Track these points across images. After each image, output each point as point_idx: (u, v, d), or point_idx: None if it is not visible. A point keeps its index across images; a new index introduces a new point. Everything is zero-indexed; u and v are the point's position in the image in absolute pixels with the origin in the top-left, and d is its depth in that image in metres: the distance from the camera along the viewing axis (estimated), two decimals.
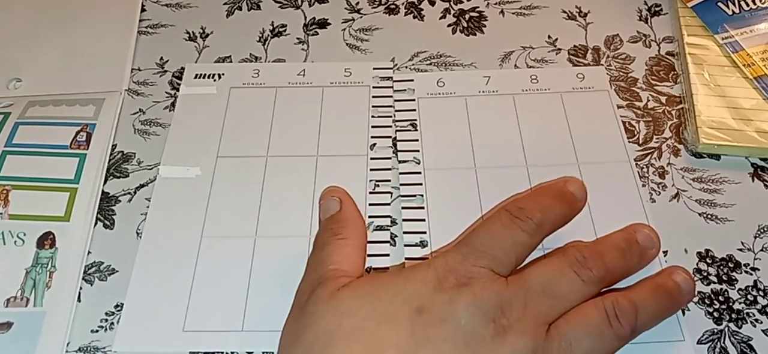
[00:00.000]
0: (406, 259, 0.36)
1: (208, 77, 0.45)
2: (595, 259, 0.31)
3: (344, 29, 0.48)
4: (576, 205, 0.34)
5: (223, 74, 0.45)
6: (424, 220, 0.38)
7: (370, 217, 0.38)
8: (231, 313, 0.34)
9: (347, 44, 0.47)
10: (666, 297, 0.32)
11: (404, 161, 0.40)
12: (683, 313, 0.34)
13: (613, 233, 0.34)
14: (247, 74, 0.45)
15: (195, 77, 0.45)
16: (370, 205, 0.38)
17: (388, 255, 0.36)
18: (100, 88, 0.44)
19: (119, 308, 0.35)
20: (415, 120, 0.42)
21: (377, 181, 0.39)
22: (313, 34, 0.47)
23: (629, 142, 0.41)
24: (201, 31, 0.48)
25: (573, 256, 0.31)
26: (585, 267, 0.30)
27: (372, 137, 0.41)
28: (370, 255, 0.36)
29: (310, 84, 0.44)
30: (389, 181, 0.39)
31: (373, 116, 0.42)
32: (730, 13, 0.45)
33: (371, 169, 0.39)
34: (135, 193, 0.39)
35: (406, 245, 0.37)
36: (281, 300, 0.33)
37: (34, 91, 0.44)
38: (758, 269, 0.36)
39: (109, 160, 0.41)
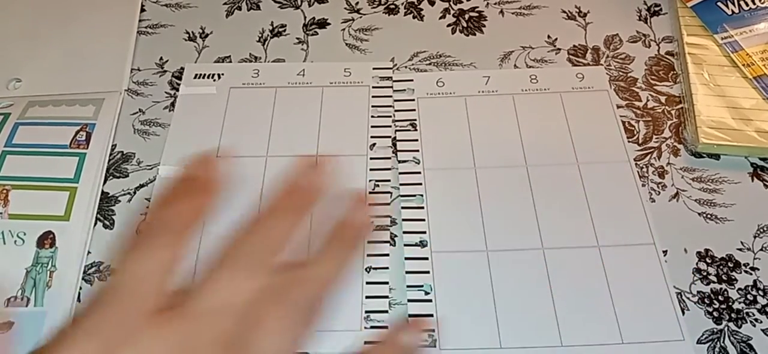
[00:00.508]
0: (406, 259, 0.36)
1: (208, 77, 0.45)
2: (264, 245, 0.27)
3: (344, 29, 0.48)
4: (214, 188, 0.29)
5: (222, 74, 0.45)
6: (423, 219, 0.38)
7: (369, 216, 0.38)
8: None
9: (347, 44, 0.47)
10: (345, 243, 0.29)
11: (404, 161, 0.40)
12: (683, 313, 0.34)
13: (275, 200, 0.30)
14: (247, 74, 0.45)
15: (195, 77, 0.45)
16: (369, 205, 0.38)
17: (387, 255, 0.36)
18: (99, 88, 0.44)
19: None
20: (415, 120, 0.42)
21: (377, 180, 0.39)
22: (312, 34, 0.47)
23: (629, 141, 0.41)
24: (201, 31, 0.48)
25: (244, 256, 0.27)
26: (259, 261, 0.27)
27: (372, 137, 0.41)
28: (370, 255, 0.36)
29: (309, 84, 0.44)
30: (389, 180, 0.39)
31: (372, 116, 0.42)
32: (730, 12, 0.45)
33: (371, 169, 0.39)
34: (135, 193, 0.39)
35: (406, 245, 0.37)
36: None
37: (34, 91, 0.44)
38: (758, 269, 0.36)
39: (109, 160, 0.41)
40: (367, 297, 0.35)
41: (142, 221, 0.29)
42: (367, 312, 0.34)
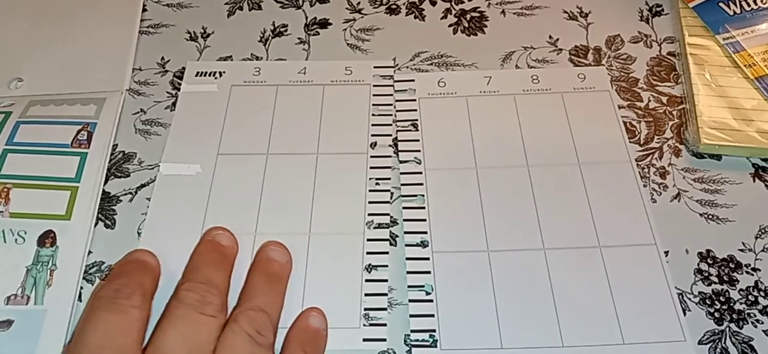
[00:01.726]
0: (407, 259, 0.36)
1: (210, 75, 0.45)
2: (208, 287, 0.31)
3: (345, 29, 0.48)
4: (156, 269, 0.34)
5: (224, 72, 0.45)
6: (424, 220, 0.37)
7: (369, 214, 0.38)
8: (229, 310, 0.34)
9: (348, 44, 0.47)
10: (276, 280, 0.33)
11: (405, 161, 0.40)
12: (684, 314, 0.34)
13: (197, 248, 0.35)
14: (249, 72, 0.45)
15: (196, 75, 0.45)
16: (369, 203, 0.38)
17: (387, 253, 0.36)
18: (101, 88, 0.44)
19: None
20: (416, 120, 0.42)
21: (377, 179, 0.39)
22: (314, 34, 0.47)
23: (630, 142, 0.41)
24: (202, 30, 0.48)
25: (189, 298, 0.30)
26: (205, 302, 0.30)
27: (372, 136, 0.41)
28: (370, 253, 0.36)
29: (310, 82, 0.44)
30: (389, 179, 0.39)
31: (373, 115, 0.42)
32: (732, 13, 0.45)
33: (371, 167, 0.39)
34: (136, 192, 0.39)
35: (407, 245, 0.37)
36: None
37: (36, 90, 0.44)
38: (759, 270, 0.36)
39: (110, 160, 0.41)
40: (366, 295, 0.35)
41: (96, 288, 0.31)
42: (366, 309, 0.34)
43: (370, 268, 0.36)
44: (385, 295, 0.35)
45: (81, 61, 0.45)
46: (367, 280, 0.35)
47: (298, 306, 0.34)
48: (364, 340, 0.33)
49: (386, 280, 0.35)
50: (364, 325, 0.34)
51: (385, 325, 0.34)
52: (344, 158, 0.40)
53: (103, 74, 0.45)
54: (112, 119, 0.42)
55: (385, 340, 0.33)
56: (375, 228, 0.37)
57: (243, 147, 0.41)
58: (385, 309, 0.34)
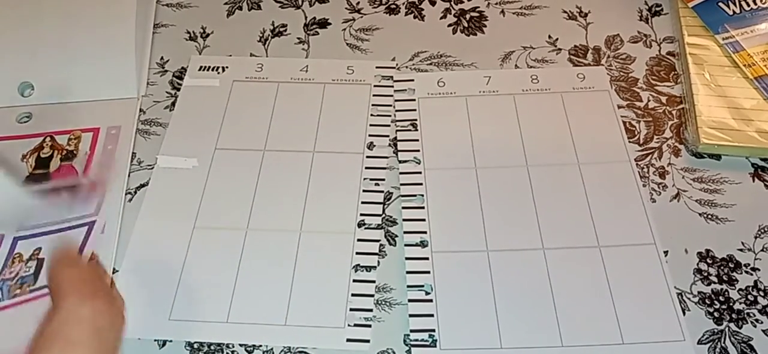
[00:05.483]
0: (407, 259, 0.36)
1: (212, 70, 0.45)
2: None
3: (345, 29, 0.48)
4: None
5: (227, 67, 0.45)
6: (424, 219, 0.37)
7: (361, 214, 0.38)
8: (217, 304, 0.34)
9: (348, 44, 0.47)
10: None
11: (405, 161, 0.40)
12: (684, 314, 0.34)
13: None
14: (251, 68, 0.45)
15: (200, 69, 0.45)
16: (362, 203, 0.38)
17: (376, 254, 0.36)
18: (117, 94, 0.43)
19: None
20: (416, 120, 0.42)
21: (372, 179, 0.39)
22: (313, 34, 0.47)
23: (630, 142, 0.41)
24: (202, 30, 0.48)
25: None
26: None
27: (370, 136, 0.41)
28: (359, 253, 0.36)
29: (312, 80, 0.44)
30: (383, 180, 0.39)
31: (372, 115, 0.42)
32: (731, 13, 0.45)
33: (367, 167, 0.39)
34: (135, 193, 0.39)
35: (406, 245, 0.36)
36: (266, 293, 0.34)
37: (48, 98, 0.43)
38: (758, 269, 0.36)
39: None
40: (353, 295, 0.35)
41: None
42: (351, 309, 0.34)
43: (357, 268, 0.36)
44: (372, 296, 0.35)
45: (93, 66, 0.44)
46: (354, 281, 0.35)
47: (284, 303, 0.34)
48: (348, 340, 0.33)
49: (374, 281, 0.35)
50: (349, 325, 0.34)
51: (370, 326, 0.34)
52: (340, 157, 0.40)
53: (117, 79, 0.44)
54: (132, 123, 0.42)
55: (368, 341, 0.33)
56: (366, 228, 0.37)
57: (241, 142, 0.41)
58: (370, 309, 0.34)
